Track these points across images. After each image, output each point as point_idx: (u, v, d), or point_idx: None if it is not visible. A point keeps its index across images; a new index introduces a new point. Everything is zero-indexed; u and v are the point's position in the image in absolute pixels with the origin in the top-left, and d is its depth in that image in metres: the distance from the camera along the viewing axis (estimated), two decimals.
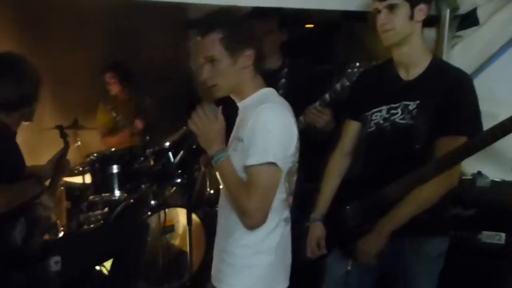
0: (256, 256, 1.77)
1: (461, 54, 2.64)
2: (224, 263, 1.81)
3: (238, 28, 1.76)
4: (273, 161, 1.67)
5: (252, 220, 1.71)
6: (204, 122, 1.74)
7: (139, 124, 4.25)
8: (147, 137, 3.89)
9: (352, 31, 3.36)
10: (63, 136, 3.34)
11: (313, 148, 2.17)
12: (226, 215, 1.83)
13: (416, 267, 2.05)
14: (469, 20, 2.61)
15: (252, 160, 1.67)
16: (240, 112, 1.85)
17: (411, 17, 1.94)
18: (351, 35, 3.37)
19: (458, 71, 2.02)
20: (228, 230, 1.81)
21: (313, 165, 2.30)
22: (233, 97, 1.85)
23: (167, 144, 3.58)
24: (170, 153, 3.55)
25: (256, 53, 1.76)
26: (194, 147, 3.29)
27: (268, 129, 1.68)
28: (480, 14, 2.57)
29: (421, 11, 1.96)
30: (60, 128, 3.40)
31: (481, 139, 1.73)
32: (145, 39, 4.40)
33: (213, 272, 1.90)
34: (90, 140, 4.24)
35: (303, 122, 2.45)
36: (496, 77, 2.52)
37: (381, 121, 2.07)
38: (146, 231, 2.85)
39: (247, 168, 1.69)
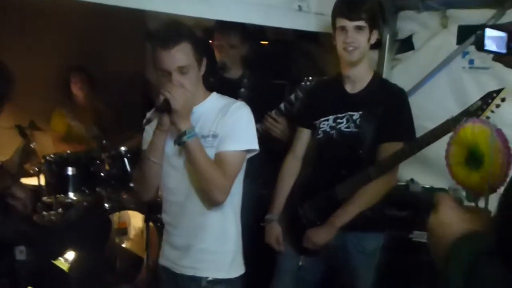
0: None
1: (399, 75, 2.97)
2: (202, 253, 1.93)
3: (199, 38, 1.94)
4: (249, 148, 1.91)
5: (225, 196, 1.86)
6: (183, 92, 1.78)
7: (94, 131, 4.27)
8: (104, 141, 3.94)
9: (303, 49, 3.63)
10: (23, 134, 3.41)
11: (269, 155, 2.35)
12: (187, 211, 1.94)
13: (356, 260, 2.30)
14: (406, 45, 2.95)
15: (231, 146, 1.86)
16: (196, 115, 1.91)
17: (369, 39, 2.22)
18: (303, 53, 3.64)
19: (396, 87, 2.33)
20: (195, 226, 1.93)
21: (270, 172, 2.53)
22: None
23: (123, 149, 3.68)
24: (125, 158, 3.64)
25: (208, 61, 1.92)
26: None
27: (248, 122, 1.92)
28: (416, 40, 2.91)
29: (375, 35, 2.25)
30: (19, 127, 3.47)
31: (416, 144, 2.02)
32: (107, 46, 4.46)
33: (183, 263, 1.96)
34: (46, 142, 4.24)
35: (260, 130, 2.63)
36: (428, 96, 2.84)
37: (328, 129, 2.32)
38: (109, 226, 2.94)
39: (223, 153, 1.85)
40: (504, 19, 2.50)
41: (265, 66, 3.28)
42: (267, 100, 2.73)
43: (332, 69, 3.03)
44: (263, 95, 2.77)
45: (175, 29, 1.82)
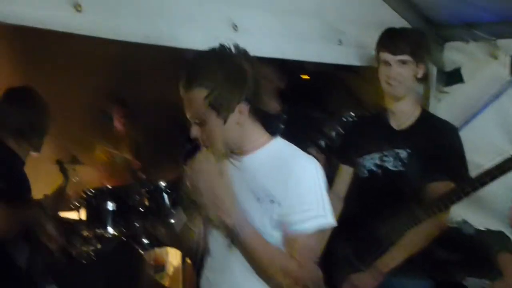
0: None
1: (447, 108, 2.82)
2: None
3: (228, 79, 1.43)
4: (331, 222, 1.46)
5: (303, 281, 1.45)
6: (208, 174, 1.43)
7: (135, 164, 4.30)
8: (144, 176, 3.94)
9: (343, 82, 3.54)
10: (63, 170, 3.45)
11: None
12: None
13: None
14: (454, 77, 2.81)
15: (306, 224, 1.43)
16: (247, 167, 1.53)
17: (415, 74, 2.13)
18: (342, 86, 3.55)
19: (446, 123, 2.19)
20: None
21: None
22: (234, 154, 1.55)
23: (162, 183, 3.66)
24: (164, 193, 3.62)
25: (251, 105, 1.47)
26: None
27: (320, 187, 1.46)
28: (464, 72, 2.78)
29: (422, 69, 2.15)
30: (60, 163, 3.51)
31: (471, 185, 1.87)
32: (144, 75, 4.50)
33: None
34: (88, 176, 4.28)
35: None
36: (477, 129, 2.68)
37: (373, 167, 2.20)
38: (142, 262, 2.89)
39: (295, 232, 1.44)
40: None
41: (303, 100, 3.20)
42: (305, 135, 2.64)
43: (373, 103, 2.95)
44: (301, 130, 2.68)
45: (194, 68, 1.46)
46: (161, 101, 4.56)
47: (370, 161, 2.22)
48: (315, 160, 1.51)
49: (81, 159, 3.99)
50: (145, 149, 4.36)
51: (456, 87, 2.82)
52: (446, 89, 2.86)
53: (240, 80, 1.45)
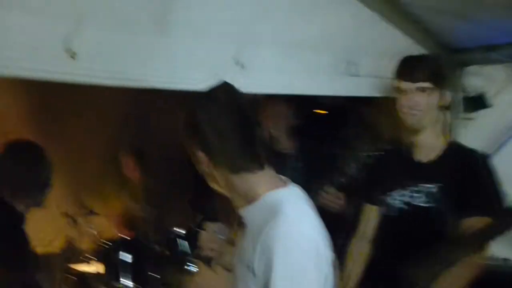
0: None
1: (473, 135, 2.67)
2: None
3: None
4: None
5: None
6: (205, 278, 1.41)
7: (150, 212, 4.21)
8: (158, 224, 3.84)
9: (360, 116, 3.42)
10: (72, 222, 3.35)
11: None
12: None
13: None
14: (479, 103, 2.69)
15: None
16: (245, 223, 1.34)
17: (436, 101, 2.01)
18: (360, 120, 3.43)
19: (475, 152, 2.04)
20: None
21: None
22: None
23: (177, 230, 3.56)
24: (178, 240, 3.51)
25: (206, 155, 1.29)
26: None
27: (291, 255, 1.17)
28: (487, 96, 2.64)
29: (446, 96, 2.03)
30: (67, 215, 3.41)
31: (509, 219, 1.71)
32: (153, 121, 4.46)
33: None
34: (103, 227, 4.19)
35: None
36: (508, 158, 2.51)
37: (401, 204, 2.06)
38: None
39: None
40: None
41: (317, 136, 3.10)
42: (323, 173, 2.51)
43: (393, 136, 2.82)
44: (318, 168, 2.55)
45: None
46: (173, 146, 4.51)
47: (398, 198, 2.07)
48: (302, 219, 1.26)
49: (96, 209, 3.92)
50: (160, 197, 4.27)
51: (481, 113, 2.69)
52: (469, 115, 2.72)
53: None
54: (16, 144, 2.34)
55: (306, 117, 2.96)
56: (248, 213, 1.30)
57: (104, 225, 4.18)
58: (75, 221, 3.36)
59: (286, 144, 2.75)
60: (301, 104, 2.81)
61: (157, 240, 3.63)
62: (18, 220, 2.19)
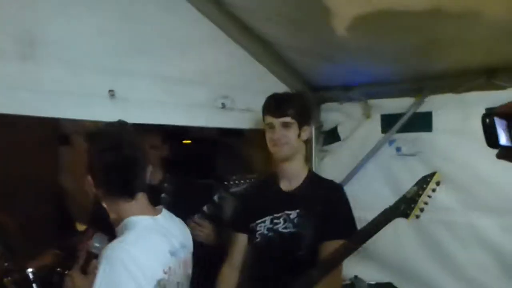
0: None
1: (329, 166, 2.91)
2: None
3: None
4: None
5: None
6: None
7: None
8: (6, 264, 3.45)
9: (228, 146, 3.54)
10: None
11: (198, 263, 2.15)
12: None
13: None
14: (332, 136, 2.94)
15: None
16: None
17: (299, 135, 2.16)
18: (228, 150, 3.54)
19: (332, 182, 2.26)
20: None
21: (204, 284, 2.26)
22: None
23: (30, 270, 3.25)
24: (34, 284, 3.21)
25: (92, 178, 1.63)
26: None
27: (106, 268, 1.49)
28: (342, 130, 2.91)
29: (306, 131, 2.20)
30: None
31: (357, 238, 1.90)
32: (13, 152, 4.10)
33: None
34: None
35: None
36: (361, 186, 2.77)
37: (265, 231, 2.17)
38: None
39: None
40: (424, 107, 2.54)
41: (187, 167, 3.12)
42: (190, 205, 2.51)
43: (259, 166, 2.96)
44: (187, 198, 2.56)
45: None
46: (28, 175, 4.17)
47: (262, 225, 2.18)
48: (131, 245, 1.54)
49: None
50: (11, 229, 3.88)
51: (336, 146, 2.93)
52: (326, 147, 2.97)
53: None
54: None
55: (175, 148, 2.97)
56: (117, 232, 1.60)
57: None
58: None
59: (155, 177, 2.72)
60: (171, 135, 2.81)
61: (5, 283, 3.27)
62: None
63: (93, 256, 1.61)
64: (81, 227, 4.47)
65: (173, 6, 2.22)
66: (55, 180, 4.57)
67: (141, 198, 1.66)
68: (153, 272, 1.57)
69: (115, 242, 1.55)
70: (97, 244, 1.63)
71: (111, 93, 1.92)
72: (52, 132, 4.49)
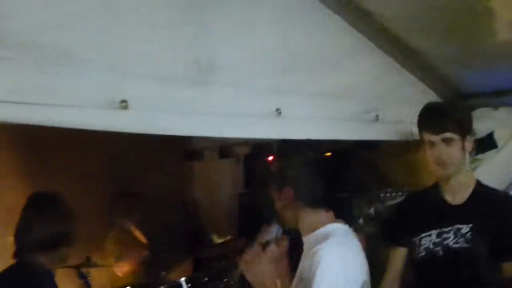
0: None
1: (483, 176, 2.72)
2: None
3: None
4: None
5: None
6: (260, 265, 1.62)
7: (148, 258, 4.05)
8: (163, 273, 3.68)
9: (365, 159, 3.47)
10: (82, 277, 3.19)
11: None
12: None
13: None
14: (487, 143, 2.76)
15: None
16: (304, 247, 1.72)
17: (463, 148, 2.03)
18: (365, 163, 3.47)
19: (505, 195, 2.13)
20: None
21: None
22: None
23: (183, 279, 3.43)
24: None
25: (294, 190, 1.69)
26: None
27: (322, 274, 1.53)
28: (497, 137, 2.73)
29: (469, 142, 2.06)
30: (77, 267, 3.24)
31: None
32: (146, 166, 4.38)
33: None
34: (103, 278, 3.99)
35: None
36: None
37: (431, 246, 2.07)
38: None
39: None
40: None
41: (327, 180, 3.11)
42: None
43: (399, 178, 2.87)
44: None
45: None
46: (162, 187, 4.43)
47: (427, 239, 2.08)
48: (338, 249, 1.61)
49: (95, 259, 3.76)
50: (159, 245, 4.13)
51: (491, 154, 2.76)
52: (480, 156, 2.80)
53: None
54: (39, 196, 2.27)
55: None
56: (308, 239, 1.68)
57: (105, 277, 4.01)
58: (83, 276, 3.20)
59: None
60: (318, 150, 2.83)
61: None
62: (48, 276, 2.09)
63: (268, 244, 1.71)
64: (217, 239, 4.68)
65: (322, 20, 2.23)
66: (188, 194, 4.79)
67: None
68: (358, 274, 1.64)
69: (325, 244, 1.60)
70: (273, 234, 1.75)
71: (278, 111, 1.97)
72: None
